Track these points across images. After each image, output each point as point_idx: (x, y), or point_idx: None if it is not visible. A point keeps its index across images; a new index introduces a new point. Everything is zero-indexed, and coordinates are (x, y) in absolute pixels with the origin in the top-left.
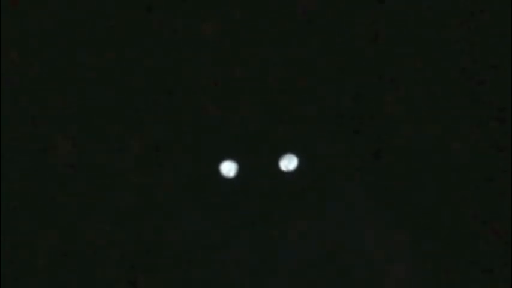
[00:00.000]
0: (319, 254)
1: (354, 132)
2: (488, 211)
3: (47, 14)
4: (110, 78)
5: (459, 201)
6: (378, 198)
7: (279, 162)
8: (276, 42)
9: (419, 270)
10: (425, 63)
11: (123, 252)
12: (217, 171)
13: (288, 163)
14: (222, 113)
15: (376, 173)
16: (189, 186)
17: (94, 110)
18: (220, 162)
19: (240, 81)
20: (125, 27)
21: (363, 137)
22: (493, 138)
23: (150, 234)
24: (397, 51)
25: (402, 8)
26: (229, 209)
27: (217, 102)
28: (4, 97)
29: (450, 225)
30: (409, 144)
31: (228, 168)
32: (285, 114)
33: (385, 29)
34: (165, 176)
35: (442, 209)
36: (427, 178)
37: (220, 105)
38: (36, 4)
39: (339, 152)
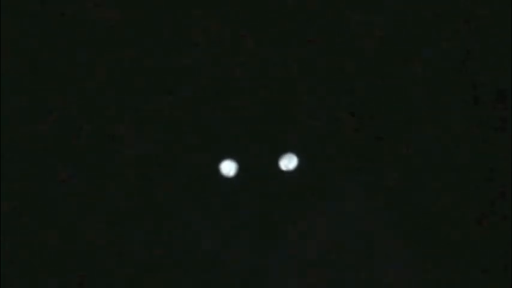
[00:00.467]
0: (319, 253)
1: (354, 132)
2: (488, 211)
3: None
4: (110, 78)
5: (459, 201)
6: (378, 198)
7: (279, 162)
8: (276, 42)
9: (419, 270)
10: (426, 63)
11: (123, 252)
12: (217, 171)
13: (288, 162)
14: (222, 113)
15: (376, 173)
16: (189, 185)
17: (94, 110)
18: (220, 162)
19: (240, 81)
20: (125, 26)
21: (363, 137)
22: (493, 138)
23: (150, 233)
24: (397, 51)
25: (402, 8)
26: (229, 208)
27: (217, 101)
28: (4, 97)
29: (450, 225)
30: (409, 144)
31: (228, 168)
32: (285, 114)
33: (385, 29)
34: (165, 175)
35: (442, 208)
36: (427, 178)
37: (220, 105)
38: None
39: (339, 152)
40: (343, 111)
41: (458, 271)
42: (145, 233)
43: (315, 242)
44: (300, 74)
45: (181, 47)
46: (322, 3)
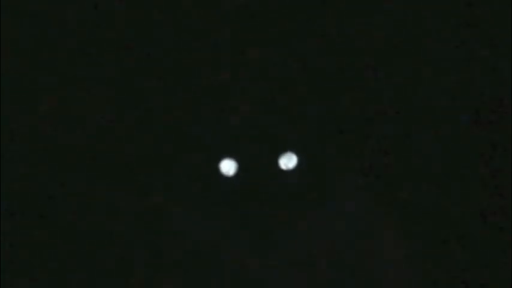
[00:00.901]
0: (319, 253)
1: (354, 132)
2: (488, 211)
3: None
4: (110, 77)
5: (459, 201)
6: (378, 197)
7: (278, 161)
8: (276, 42)
9: (419, 270)
10: (426, 63)
11: (123, 252)
12: (216, 170)
13: (288, 161)
14: (222, 112)
15: (376, 172)
16: (188, 184)
17: (94, 109)
18: (220, 161)
19: (240, 80)
20: (125, 26)
21: (363, 136)
22: (493, 138)
23: (148, 232)
24: (397, 51)
25: (402, 8)
26: (229, 208)
27: (217, 100)
28: (4, 97)
29: (450, 225)
30: (409, 143)
31: (228, 167)
32: (285, 113)
33: (385, 29)
34: (164, 174)
35: (442, 208)
36: (427, 178)
37: (220, 104)
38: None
39: (339, 151)
40: (343, 110)
41: (458, 271)
42: (143, 232)
43: (315, 242)
44: (300, 73)
45: (181, 46)
46: (322, 3)
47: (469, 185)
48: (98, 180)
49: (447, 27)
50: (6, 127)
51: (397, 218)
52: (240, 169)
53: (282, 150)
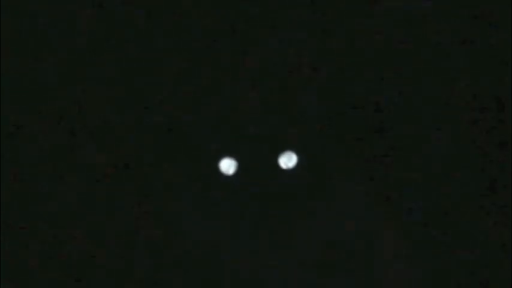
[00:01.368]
0: (318, 252)
1: (354, 131)
2: (488, 211)
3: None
4: (110, 76)
5: (459, 201)
6: (378, 197)
7: (278, 160)
8: (276, 41)
9: (418, 270)
10: (426, 63)
11: (123, 252)
12: (216, 169)
13: (288, 161)
14: (222, 111)
15: (376, 172)
16: (188, 183)
17: (93, 108)
18: (220, 160)
19: (239, 79)
20: (125, 25)
21: (363, 135)
22: (493, 139)
23: (147, 232)
24: (397, 51)
25: (402, 8)
26: (229, 206)
27: (216, 99)
28: (4, 97)
29: (450, 225)
30: (409, 143)
31: (228, 166)
32: (285, 112)
33: (386, 29)
34: (164, 173)
35: (442, 208)
36: (427, 178)
37: (219, 103)
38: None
39: (339, 150)
40: (343, 109)
41: (458, 271)
42: (143, 232)
43: (315, 241)
44: (300, 72)
45: (181, 46)
46: (322, 3)
47: (469, 185)
48: (97, 180)
49: (447, 27)
50: (6, 127)
51: (397, 218)
52: (240, 168)
53: (282, 150)
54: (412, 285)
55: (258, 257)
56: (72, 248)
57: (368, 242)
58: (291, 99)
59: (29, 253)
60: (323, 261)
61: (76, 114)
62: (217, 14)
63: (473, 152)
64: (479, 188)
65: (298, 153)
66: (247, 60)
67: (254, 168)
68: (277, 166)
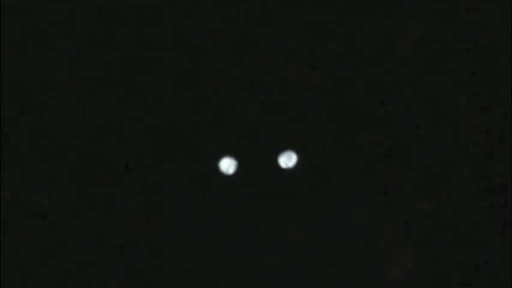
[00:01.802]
0: (318, 252)
1: (354, 131)
2: (488, 211)
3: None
4: (110, 76)
5: (459, 202)
6: (377, 197)
7: (278, 159)
8: (276, 41)
9: (418, 270)
10: (426, 63)
11: (123, 252)
12: (216, 168)
13: (288, 160)
14: (222, 110)
15: (376, 172)
16: (188, 183)
17: (93, 108)
18: (220, 159)
19: (239, 79)
20: (125, 25)
21: (363, 135)
22: (493, 139)
23: (148, 232)
24: (397, 51)
25: (402, 8)
26: (228, 206)
27: (216, 99)
28: (4, 97)
29: (450, 226)
30: (410, 144)
31: (228, 165)
32: (285, 111)
33: (386, 29)
34: (164, 173)
35: (442, 209)
36: (427, 178)
37: (219, 102)
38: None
39: (338, 150)
40: (343, 109)
41: (458, 271)
42: (142, 231)
43: (314, 240)
44: (300, 71)
45: (181, 46)
46: (322, 3)
47: (469, 185)
48: (97, 179)
49: (447, 27)
50: (6, 127)
51: (397, 218)
52: (240, 167)
53: (282, 149)
54: (412, 285)
55: (257, 256)
56: (72, 248)
57: (368, 242)
58: (291, 99)
59: (29, 253)
60: (323, 261)
61: (76, 114)
62: (217, 14)
63: (473, 152)
64: (479, 187)
65: (298, 152)
66: (247, 60)
67: (254, 168)
68: (277, 166)
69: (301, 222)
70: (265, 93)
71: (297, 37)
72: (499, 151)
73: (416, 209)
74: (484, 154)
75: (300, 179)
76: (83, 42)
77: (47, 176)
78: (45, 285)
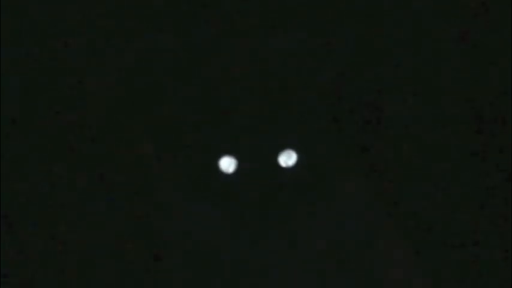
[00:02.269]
0: (318, 251)
1: (354, 130)
2: (488, 211)
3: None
4: (110, 76)
5: (459, 202)
6: (377, 197)
7: (278, 158)
8: (276, 41)
9: (418, 270)
10: (426, 64)
11: (122, 251)
12: (216, 167)
13: (287, 159)
14: (221, 109)
15: (376, 172)
16: (187, 182)
17: (93, 108)
18: (220, 158)
19: (239, 78)
20: (125, 25)
21: (363, 135)
22: (493, 138)
23: (148, 231)
24: (397, 51)
25: (401, 8)
26: (228, 205)
27: (216, 98)
28: (4, 97)
29: (450, 226)
30: (410, 144)
31: (228, 164)
32: (285, 110)
33: (386, 29)
34: (163, 172)
35: (442, 209)
36: (427, 179)
37: (219, 101)
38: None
39: (338, 149)
40: (343, 108)
41: (458, 271)
42: (142, 230)
43: (314, 240)
44: (300, 71)
45: (181, 46)
46: (322, 3)
47: (470, 185)
48: (97, 179)
49: (447, 27)
50: (6, 127)
51: (397, 218)
52: (240, 166)
53: (282, 148)
54: (412, 285)
55: (257, 255)
56: (72, 248)
57: (368, 241)
58: (291, 99)
59: (28, 253)
60: (322, 260)
61: (76, 114)
62: (218, 14)
63: (473, 152)
64: (479, 187)
65: (297, 151)
66: (247, 60)
67: (254, 167)
68: (277, 164)
69: (301, 221)
70: (265, 92)
71: (297, 37)
72: (499, 151)
73: (416, 209)
74: (484, 154)
75: (299, 178)
76: (82, 42)
77: (47, 176)
78: (45, 285)
